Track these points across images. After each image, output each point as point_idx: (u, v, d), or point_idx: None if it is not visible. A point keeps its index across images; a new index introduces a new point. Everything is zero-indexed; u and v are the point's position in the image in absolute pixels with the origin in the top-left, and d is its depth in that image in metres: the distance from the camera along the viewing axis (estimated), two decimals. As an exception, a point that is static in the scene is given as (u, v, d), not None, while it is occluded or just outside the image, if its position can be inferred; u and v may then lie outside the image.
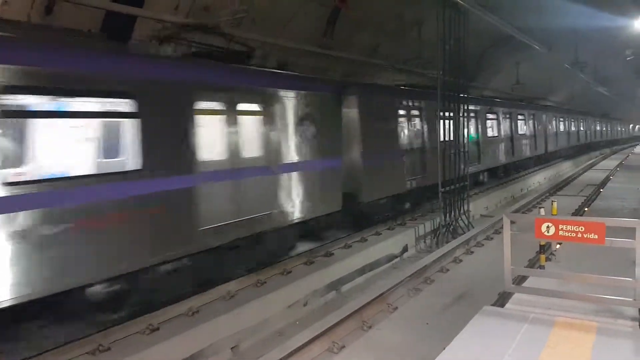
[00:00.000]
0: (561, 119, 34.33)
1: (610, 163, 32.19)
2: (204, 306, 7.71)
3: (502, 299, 6.87)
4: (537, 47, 21.03)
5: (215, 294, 8.10)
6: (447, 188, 13.40)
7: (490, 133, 21.01)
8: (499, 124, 22.05)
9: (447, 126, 13.54)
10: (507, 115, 23.06)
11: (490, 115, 21.09)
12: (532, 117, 27.01)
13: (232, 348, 7.34)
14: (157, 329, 6.88)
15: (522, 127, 25.44)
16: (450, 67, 13.40)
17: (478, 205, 16.83)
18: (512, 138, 23.33)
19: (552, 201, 8.68)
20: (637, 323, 5.26)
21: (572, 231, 5.51)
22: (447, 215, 13.43)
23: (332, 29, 14.01)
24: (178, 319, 7.26)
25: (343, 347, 6.38)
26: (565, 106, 39.70)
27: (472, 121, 17.87)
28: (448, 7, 12.97)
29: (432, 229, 13.50)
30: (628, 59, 28.27)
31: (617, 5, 16.10)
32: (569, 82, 36.30)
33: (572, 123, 38.35)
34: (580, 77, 30.75)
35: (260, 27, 11.63)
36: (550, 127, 30.69)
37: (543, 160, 29.72)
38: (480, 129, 19.67)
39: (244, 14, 10.54)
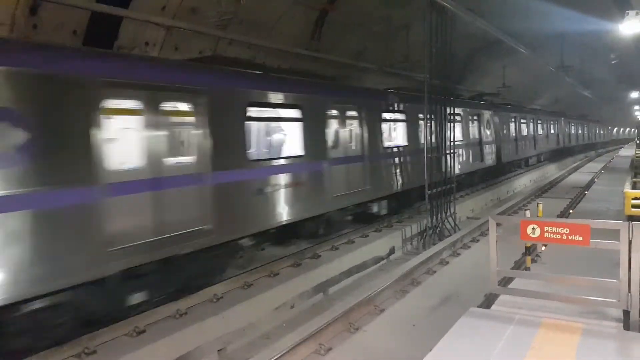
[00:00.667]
0: (522, 121, 28.14)
1: (595, 165, 32.61)
2: (191, 308, 7.67)
3: (488, 301, 6.92)
4: (522, 51, 21.27)
5: (202, 296, 8.05)
6: (433, 190, 13.47)
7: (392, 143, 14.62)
8: (411, 128, 15.11)
9: (432, 129, 13.57)
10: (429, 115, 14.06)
11: (396, 116, 14.82)
12: (475, 118, 20.77)
13: (219, 351, 7.29)
14: (144, 331, 6.83)
15: (461, 132, 18.96)
16: (436, 70, 13.49)
17: (464, 208, 16.94)
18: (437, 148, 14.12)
19: (538, 203, 8.78)
20: (622, 324, 5.33)
21: (557, 233, 5.55)
22: (434, 217, 13.51)
23: (320, 31, 14.05)
24: (165, 321, 7.22)
25: (330, 349, 6.38)
26: (549, 108, 39.93)
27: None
28: (435, 11, 13.06)
29: (419, 231, 13.56)
30: (612, 62, 28.68)
31: (602, 9, 16.33)
32: (555, 86, 36.78)
33: (539, 126, 32.42)
34: (565, 81, 31.15)
35: (247, 29, 11.62)
36: (504, 131, 24.54)
37: (493, 174, 23.36)
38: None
39: (231, 15, 10.55)
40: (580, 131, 49.67)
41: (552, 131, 36.69)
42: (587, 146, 52.27)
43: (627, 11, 10.37)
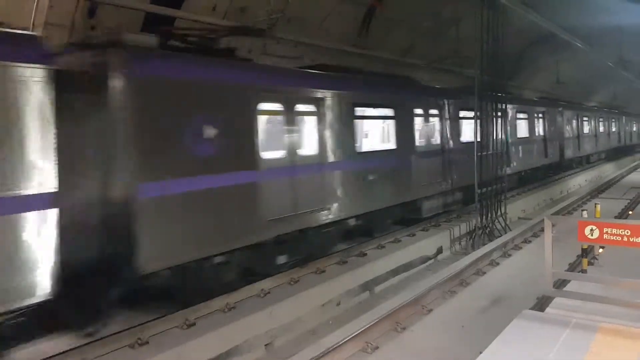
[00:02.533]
0: (584, 119, 28.59)
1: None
2: (240, 303, 7.80)
3: (541, 303, 6.70)
4: (579, 45, 20.44)
5: (250, 290, 8.18)
6: (483, 190, 13.17)
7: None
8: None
9: (484, 126, 13.27)
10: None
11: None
12: (539, 116, 21.91)
13: (266, 345, 7.40)
14: (194, 324, 7.00)
15: (527, 129, 20.28)
16: (488, 66, 13.16)
17: (515, 208, 16.46)
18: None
19: (596, 204, 8.44)
20: (686, 331, 5.05)
21: (617, 235, 5.31)
22: (484, 217, 13.19)
23: (367, 28, 13.95)
24: (214, 315, 7.38)
25: (377, 348, 6.34)
26: (607, 105, 38.31)
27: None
28: (486, 5, 12.74)
29: (468, 231, 13.28)
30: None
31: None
32: (613, 81, 35.15)
33: (600, 123, 32.28)
34: (623, 76, 29.72)
35: (295, 27, 11.69)
36: (567, 128, 25.25)
37: (555, 170, 24.16)
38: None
39: (280, 14, 10.63)
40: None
41: (613, 129, 36.69)
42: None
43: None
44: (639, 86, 35.87)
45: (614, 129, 36.65)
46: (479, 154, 13.20)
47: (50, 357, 5.94)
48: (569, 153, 25.21)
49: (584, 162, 29.71)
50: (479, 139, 13.25)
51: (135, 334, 6.52)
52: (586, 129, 29.02)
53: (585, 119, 28.75)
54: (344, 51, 13.44)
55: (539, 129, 21.64)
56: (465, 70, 16.70)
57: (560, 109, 24.38)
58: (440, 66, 17.24)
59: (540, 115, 21.77)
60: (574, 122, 26.51)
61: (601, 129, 32.90)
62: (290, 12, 11.22)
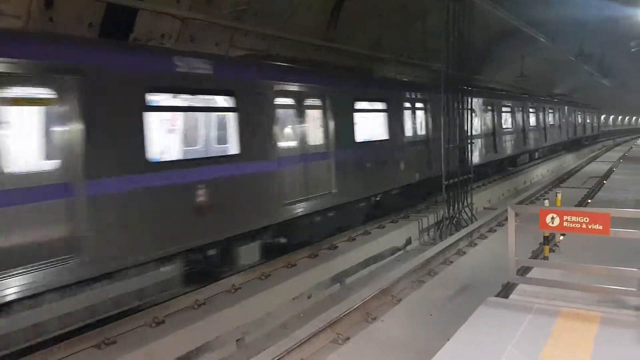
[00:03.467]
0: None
1: (614, 155, 32.09)
2: (210, 299, 7.75)
3: (506, 290, 6.90)
4: (542, 40, 20.92)
5: (220, 286, 8.13)
6: (450, 181, 13.40)
7: None
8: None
9: (449, 120, 13.47)
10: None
11: None
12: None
13: (237, 340, 7.38)
14: (163, 321, 6.92)
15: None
16: (454, 60, 13.36)
17: (481, 198, 16.82)
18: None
19: (557, 192, 8.69)
20: (641, 313, 5.27)
21: (577, 222, 5.49)
22: (451, 208, 13.43)
23: (336, 21, 13.95)
24: (184, 312, 7.30)
25: (347, 339, 6.41)
26: (567, 98, 38.99)
27: None
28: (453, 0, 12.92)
29: (436, 221, 13.51)
30: (632, 50, 28.07)
31: (623, -5, 16.04)
32: (573, 75, 36.12)
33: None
34: (584, 69, 30.59)
35: (261, 20, 11.60)
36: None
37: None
38: None
39: (245, 6, 10.53)
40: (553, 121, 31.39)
41: (563, 121, 31.79)
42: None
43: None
44: (599, 79, 36.99)
45: (563, 121, 32.40)
46: (446, 146, 13.42)
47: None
48: (506, 149, 21.67)
49: (528, 159, 26.00)
50: (444, 132, 13.46)
51: (102, 333, 6.41)
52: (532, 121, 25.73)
53: (532, 110, 25.29)
54: (313, 45, 13.41)
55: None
56: (432, 65, 16.90)
57: (497, 99, 20.81)
58: (408, 60, 17.39)
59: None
60: (518, 114, 23.28)
61: (551, 121, 29.34)
62: (257, 4, 11.12)
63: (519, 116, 23.76)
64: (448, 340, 4.84)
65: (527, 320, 5.13)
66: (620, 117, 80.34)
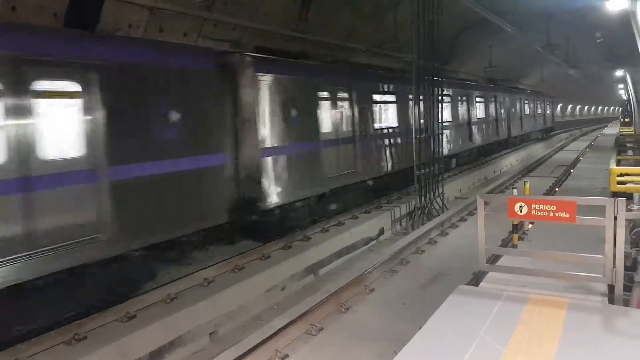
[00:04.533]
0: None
1: (580, 144, 32.93)
2: (182, 293, 7.67)
3: (476, 278, 7.01)
4: (509, 30, 21.22)
5: (193, 280, 8.05)
6: (422, 171, 13.53)
7: None
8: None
9: (419, 110, 13.57)
10: None
11: None
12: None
13: (210, 334, 7.34)
14: (134, 316, 6.82)
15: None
16: (424, 50, 13.43)
17: (452, 188, 17.06)
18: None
19: (525, 182, 8.86)
20: (607, 298, 5.42)
21: (544, 210, 5.59)
22: (422, 197, 13.58)
23: (307, 12, 13.86)
24: (155, 306, 7.21)
25: (321, 329, 6.44)
26: (536, 88, 39.58)
27: None
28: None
29: (408, 211, 13.64)
30: (598, 41, 28.70)
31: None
32: (541, 65, 36.82)
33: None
34: (551, 60, 31.19)
35: (232, 10, 11.43)
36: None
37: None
38: None
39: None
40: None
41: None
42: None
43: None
44: (566, 69, 37.76)
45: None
46: (417, 136, 13.52)
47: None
48: None
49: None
50: (416, 122, 13.57)
51: (71, 330, 6.28)
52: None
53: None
54: (284, 35, 13.30)
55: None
56: (403, 56, 16.98)
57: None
58: (380, 51, 17.43)
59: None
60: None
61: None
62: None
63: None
64: (420, 328, 4.90)
65: (497, 307, 5.22)
66: (586, 107, 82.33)
